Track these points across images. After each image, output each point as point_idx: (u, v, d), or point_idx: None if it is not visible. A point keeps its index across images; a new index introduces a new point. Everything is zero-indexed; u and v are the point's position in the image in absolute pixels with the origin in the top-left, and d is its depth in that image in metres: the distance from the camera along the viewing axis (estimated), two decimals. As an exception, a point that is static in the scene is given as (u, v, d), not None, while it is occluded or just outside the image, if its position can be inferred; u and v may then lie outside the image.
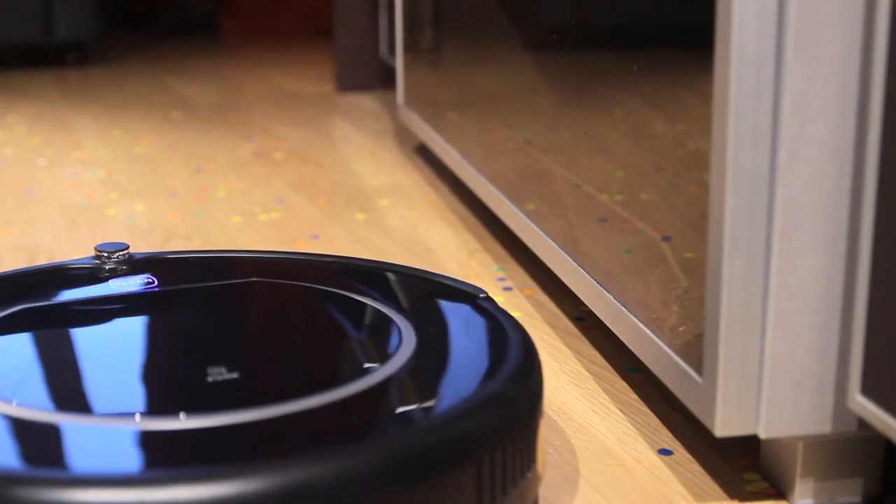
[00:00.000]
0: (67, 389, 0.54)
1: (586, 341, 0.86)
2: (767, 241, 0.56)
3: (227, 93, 2.00)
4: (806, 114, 0.54)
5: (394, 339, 0.61)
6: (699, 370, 0.60)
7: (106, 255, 0.71)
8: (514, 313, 0.91)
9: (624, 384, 0.78)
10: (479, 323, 0.64)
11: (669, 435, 0.70)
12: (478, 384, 0.56)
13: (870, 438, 0.61)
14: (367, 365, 0.57)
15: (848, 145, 0.55)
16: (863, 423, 0.58)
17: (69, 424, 0.50)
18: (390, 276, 0.73)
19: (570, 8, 0.81)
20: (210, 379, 0.55)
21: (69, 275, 0.71)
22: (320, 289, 0.69)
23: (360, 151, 1.52)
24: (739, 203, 0.55)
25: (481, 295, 0.69)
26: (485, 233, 1.14)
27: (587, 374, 0.79)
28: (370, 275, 0.73)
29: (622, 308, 0.72)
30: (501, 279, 1.00)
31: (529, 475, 0.56)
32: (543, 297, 0.95)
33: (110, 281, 0.69)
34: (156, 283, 0.69)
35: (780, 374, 0.57)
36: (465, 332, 0.63)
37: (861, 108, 0.55)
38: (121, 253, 0.71)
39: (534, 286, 0.98)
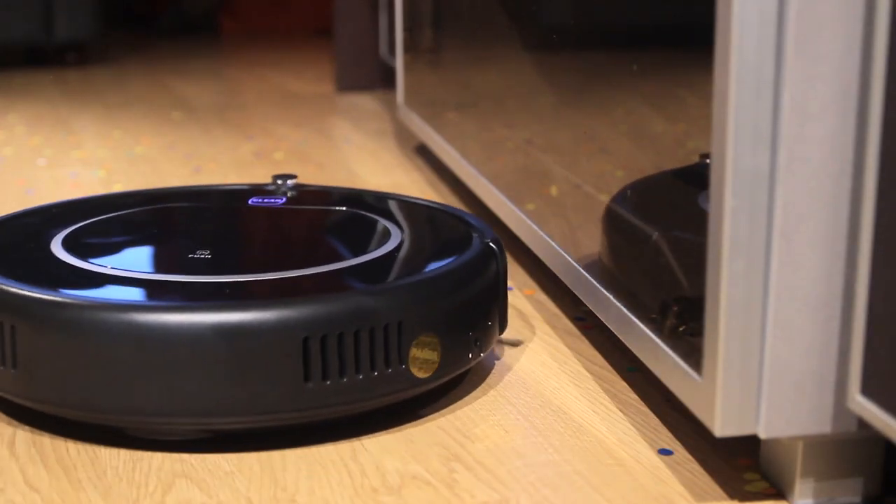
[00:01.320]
0: (145, 258, 0.80)
1: (586, 341, 0.86)
2: (767, 241, 0.56)
3: (227, 93, 2.00)
4: (806, 114, 0.54)
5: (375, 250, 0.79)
6: (699, 370, 0.60)
7: (280, 181, 0.94)
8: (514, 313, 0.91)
9: (624, 384, 0.78)
10: (457, 256, 0.76)
11: (669, 435, 0.70)
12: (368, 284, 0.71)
13: (870, 438, 0.61)
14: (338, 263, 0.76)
15: (848, 145, 0.55)
16: (863, 423, 0.58)
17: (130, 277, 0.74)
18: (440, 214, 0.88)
19: (570, 8, 0.81)
20: (236, 260, 0.79)
21: (236, 191, 0.94)
22: (374, 218, 0.87)
23: (360, 151, 1.52)
24: (739, 203, 0.55)
25: (487, 238, 0.79)
26: (485, 233, 1.14)
27: (587, 374, 0.79)
28: (431, 214, 0.88)
29: (622, 308, 0.72)
30: (501, 279, 1.00)
31: (382, 372, 0.68)
32: (543, 297, 0.95)
33: (251, 199, 0.91)
34: (279, 202, 0.90)
35: (780, 374, 0.57)
36: (436, 257, 0.77)
37: (861, 108, 0.55)
38: (291, 181, 0.94)
39: (534, 286, 0.98)
